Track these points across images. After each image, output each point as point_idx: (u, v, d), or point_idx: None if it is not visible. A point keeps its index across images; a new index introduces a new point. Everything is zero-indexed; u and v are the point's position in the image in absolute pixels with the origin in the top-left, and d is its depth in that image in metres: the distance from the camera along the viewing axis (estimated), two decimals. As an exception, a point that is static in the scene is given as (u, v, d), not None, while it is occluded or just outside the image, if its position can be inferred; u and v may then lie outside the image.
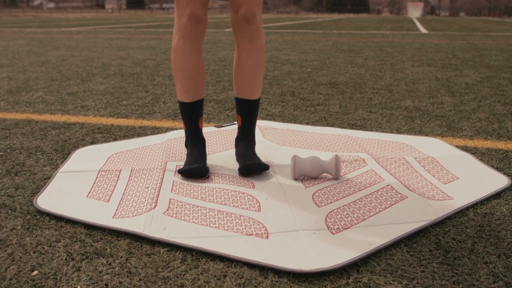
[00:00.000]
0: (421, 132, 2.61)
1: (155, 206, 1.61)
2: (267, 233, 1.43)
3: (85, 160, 2.09)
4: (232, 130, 2.60)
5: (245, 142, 2.02)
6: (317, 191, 1.75)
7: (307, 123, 2.80)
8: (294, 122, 2.83)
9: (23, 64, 5.73)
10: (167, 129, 2.67)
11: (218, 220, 1.51)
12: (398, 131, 2.64)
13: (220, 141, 2.39)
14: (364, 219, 1.52)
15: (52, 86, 4.16)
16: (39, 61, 6.11)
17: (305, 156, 2.15)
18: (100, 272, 1.25)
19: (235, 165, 2.03)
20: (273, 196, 1.70)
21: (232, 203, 1.64)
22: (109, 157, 2.13)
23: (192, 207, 1.61)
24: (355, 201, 1.66)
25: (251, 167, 1.87)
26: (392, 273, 1.25)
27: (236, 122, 2.77)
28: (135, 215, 1.55)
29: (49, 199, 1.67)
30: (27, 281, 1.21)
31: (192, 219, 1.52)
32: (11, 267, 1.27)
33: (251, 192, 1.73)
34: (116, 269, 1.27)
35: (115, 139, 2.47)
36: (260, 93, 1.98)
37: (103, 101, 3.48)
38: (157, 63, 5.84)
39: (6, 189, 1.79)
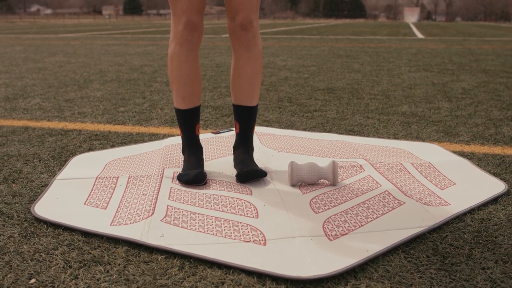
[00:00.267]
0: (418, 138, 2.62)
1: (152, 213, 1.61)
2: (265, 240, 1.43)
3: (83, 167, 2.09)
4: (229, 136, 2.60)
5: (243, 148, 2.02)
6: (315, 197, 1.75)
7: (304, 129, 2.81)
8: (291, 128, 2.83)
9: (20, 71, 5.73)
10: (165, 136, 2.68)
11: (215, 227, 1.52)
12: (395, 136, 2.65)
13: (218, 147, 2.39)
14: (362, 225, 1.52)
15: (49, 92, 4.16)
16: (36, 67, 6.11)
17: (302, 162, 2.15)
18: (98, 280, 1.25)
19: (233, 172, 2.03)
20: (271, 203, 1.70)
21: (230, 209, 1.64)
22: (106, 164, 2.13)
23: (190, 214, 1.61)
24: (352, 207, 1.66)
25: (249, 173, 1.87)
26: (389, 280, 1.25)
27: (233, 129, 2.78)
28: (133, 222, 1.55)
29: (47, 207, 1.67)
30: (25, 289, 1.21)
31: (190, 226, 1.52)
32: (9, 275, 1.27)
33: (248, 199, 1.74)
34: (114, 276, 1.26)
35: (112, 146, 2.47)
36: (257, 99, 1.99)
37: (100, 107, 3.48)
38: (154, 69, 5.85)
39: (4, 197, 1.79)
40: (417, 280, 1.25)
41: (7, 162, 2.20)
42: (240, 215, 1.60)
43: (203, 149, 2.36)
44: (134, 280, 1.25)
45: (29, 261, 1.34)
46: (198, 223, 1.54)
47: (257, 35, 1.88)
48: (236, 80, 1.94)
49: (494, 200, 1.75)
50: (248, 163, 1.95)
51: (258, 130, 2.74)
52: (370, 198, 1.74)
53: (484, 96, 3.91)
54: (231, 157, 2.22)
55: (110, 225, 1.53)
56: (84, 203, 1.71)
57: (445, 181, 1.92)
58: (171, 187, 1.85)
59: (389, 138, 2.61)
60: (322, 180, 1.92)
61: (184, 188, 1.84)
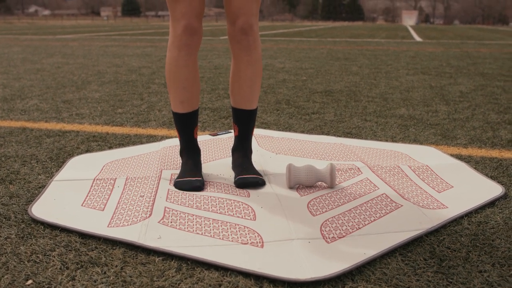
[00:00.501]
0: (415, 141, 2.62)
1: (150, 215, 1.61)
2: (262, 242, 1.43)
3: (80, 169, 2.09)
4: (227, 138, 2.60)
5: (242, 152, 2.02)
6: (312, 199, 1.75)
7: (302, 132, 2.81)
8: (289, 131, 2.84)
9: (18, 72, 5.72)
10: (162, 137, 2.67)
11: (213, 229, 1.51)
12: (393, 139, 2.65)
13: (215, 149, 2.39)
14: (359, 228, 1.52)
15: (47, 93, 4.15)
16: (34, 68, 6.11)
17: (300, 165, 2.15)
18: (95, 281, 1.25)
19: (230, 174, 2.03)
20: (268, 205, 1.70)
21: (227, 211, 1.64)
22: (104, 166, 2.13)
23: (187, 216, 1.61)
24: (350, 210, 1.66)
25: (247, 182, 1.86)
26: (387, 282, 1.25)
27: (231, 131, 2.78)
28: (130, 224, 1.54)
29: (44, 208, 1.67)
30: (22, 290, 1.21)
31: (187, 228, 1.52)
32: (5, 276, 1.27)
33: (246, 201, 1.74)
34: (111, 278, 1.26)
35: (110, 148, 2.47)
36: (257, 103, 1.98)
37: (98, 109, 3.48)
38: (152, 71, 5.85)
39: (1, 198, 1.79)
40: (414, 283, 1.25)
41: (4, 163, 2.20)
42: (238, 217, 1.60)
43: (201, 151, 2.36)
44: (131, 282, 1.25)
45: (26, 262, 1.34)
46: (196, 225, 1.54)
47: (257, 39, 1.88)
48: (235, 84, 1.93)
49: (491, 204, 1.76)
50: (247, 167, 1.95)
51: (256, 132, 2.74)
52: (368, 201, 1.74)
53: (481, 99, 3.92)
54: (229, 159, 2.22)
55: (108, 226, 1.53)
56: (82, 205, 1.71)
57: (442, 184, 1.93)
58: (168, 189, 1.85)
59: (386, 141, 2.62)
60: (319, 183, 1.92)
61: (181, 191, 1.84)
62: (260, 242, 1.43)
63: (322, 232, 1.49)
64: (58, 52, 8.69)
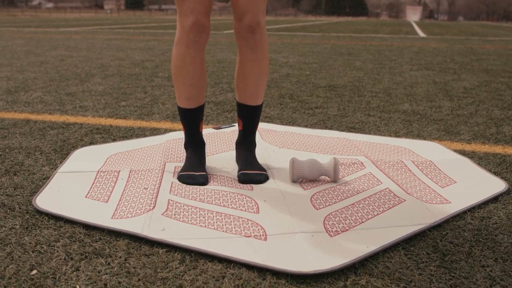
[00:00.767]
0: (419, 136, 2.62)
1: (153, 207, 1.62)
2: (266, 235, 1.44)
3: (84, 161, 2.10)
4: (231, 132, 2.61)
5: (245, 146, 2.02)
6: (316, 193, 1.76)
7: (306, 126, 2.81)
8: (293, 125, 2.84)
9: (21, 64, 5.73)
10: (166, 130, 2.68)
11: (216, 222, 1.52)
12: (396, 134, 2.65)
13: (219, 143, 2.40)
14: (362, 222, 1.53)
15: (51, 86, 4.16)
16: (37, 61, 6.11)
17: (303, 159, 2.15)
18: (99, 272, 1.25)
19: (234, 167, 2.04)
20: (272, 198, 1.71)
21: (231, 204, 1.65)
22: (108, 158, 2.14)
23: (191, 209, 1.61)
24: (353, 204, 1.67)
25: (251, 177, 1.86)
26: (389, 276, 1.25)
27: (234, 124, 2.78)
28: (134, 216, 1.55)
29: (48, 199, 1.67)
30: (26, 280, 1.21)
31: (190, 220, 1.53)
32: (10, 266, 1.27)
33: (249, 194, 1.74)
34: (115, 269, 1.27)
35: (114, 140, 2.47)
36: (262, 99, 1.97)
37: (101, 101, 3.49)
38: (155, 64, 5.85)
39: (5, 189, 1.80)
40: (417, 277, 1.25)
41: (8, 155, 2.20)
42: (241, 210, 1.61)
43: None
44: (135, 273, 1.25)
45: (30, 252, 1.35)
46: (199, 217, 1.55)
47: (264, 36, 1.85)
48: (241, 80, 1.92)
49: (495, 199, 1.76)
50: (250, 161, 1.95)
51: (260, 126, 2.75)
52: (371, 195, 1.74)
53: (485, 95, 3.91)
54: (233, 153, 2.22)
55: (111, 218, 1.54)
56: (86, 196, 1.71)
57: (445, 180, 1.93)
58: (172, 182, 1.85)
59: (390, 136, 2.62)
60: (323, 177, 1.92)
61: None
62: (263, 235, 1.44)
63: (325, 226, 1.50)
64: (61, 45, 8.69)
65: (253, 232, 1.45)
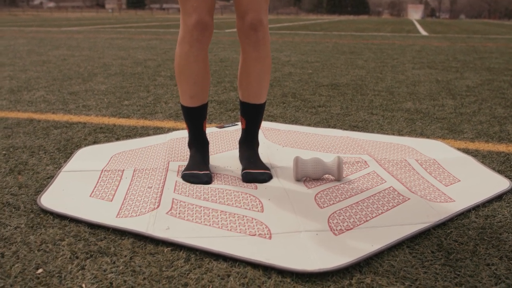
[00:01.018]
0: (422, 134, 2.62)
1: (158, 206, 1.62)
2: (270, 234, 1.44)
3: (88, 160, 2.10)
4: (234, 130, 2.61)
5: (249, 144, 2.02)
6: (319, 192, 1.76)
7: (309, 125, 2.81)
8: (296, 123, 2.84)
9: (24, 63, 5.73)
10: (169, 129, 2.68)
11: (221, 220, 1.52)
12: (400, 133, 2.65)
13: (222, 141, 2.40)
14: (367, 221, 1.53)
15: (54, 85, 4.17)
16: (40, 60, 6.12)
17: (307, 158, 2.16)
18: (105, 271, 1.26)
19: (237, 166, 2.04)
20: (276, 197, 1.71)
21: (235, 203, 1.65)
22: (111, 157, 2.14)
23: (195, 207, 1.61)
24: (357, 202, 1.67)
25: (254, 177, 1.87)
26: (394, 274, 1.25)
27: (237, 123, 2.78)
28: (139, 215, 1.55)
29: (53, 198, 1.68)
30: (32, 279, 1.22)
31: (195, 219, 1.53)
32: (16, 265, 1.28)
33: (253, 193, 1.74)
34: (121, 268, 1.27)
35: (117, 139, 2.47)
36: (265, 97, 1.97)
37: (104, 101, 3.49)
38: (158, 63, 5.85)
39: (10, 188, 1.80)
40: (422, 275, 1.25)
41: (12, 154, 2.21)
42: (245, 209, 1.61)
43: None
44: (140, 272, 1.25)
45: (36, 251, 1.35)
46: (204, 216, 1.55)
47: (267, 34, 1.86)
48: (244, 79, 1.92)
49: (499, 197, 1.76)
50: (254, 160, 1.95)
51: (263, 124, 2.75)
52: (375, 194, 1.74)
53: (488, 94, 3.91)
54: (236, 151, 2.23)
55: (116, 217, 1.54)
56: (90, 195, 1.72)
57: (449, 178, 1.93)
58: (176, 181, 1.86)
59: (393, 134, 2.62)
60: (326, 176, 1.92)
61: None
62: (268, 234, 1.44)
63: (330, 225, 1.50)
64: (63, 44, 8.70)
65: (258, 231, 1.46)
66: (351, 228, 1.48)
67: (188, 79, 1.86)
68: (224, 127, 2.69)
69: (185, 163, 2.06)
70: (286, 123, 2.85)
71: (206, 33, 1.79)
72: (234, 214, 1.57)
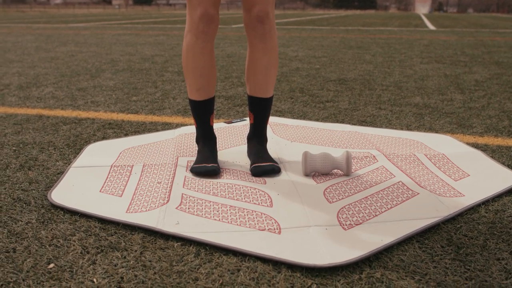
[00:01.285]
0: (431, 129, 2.61)
1: (167, 201, 1.63)
2: (280, 229, 1.44)
3: (97, 156, 2.11)
4: (242, 126, 2.61)
5: (257, 140, 2.03)
6: (328, 187, 1.76)
7: (317, 120, 2.81)
8: (304, 119, 2.84)
9: (32, 60, 5.76)
10: (178, 125, 2.69)
11: (230, 215, 1.53)
12: (408, 128, 2.64)
13: (231, 137, 2.40)
14: (376, 215, 1.53)
15: (62, 81, 4.18)
16: (48, 56, 6.14)
17: (315, 152, 2.15)
18: (115, 266, 1.27)
19: (246, 161, 2.04)
20: (285, 192, 1.71)
21: (244, 198, 1.66)
22: (121, 153, 2.15)
23: (205, 202, 1.62)
24: (366, 197, 1.67)
25: (264, 169, 1.87)
26: (404, 269, 1.25)
27: (246, 119, 2.78)
28: (148, 210, 1.56)
29: (63, 194, 1.69)
30: (44, 273, 1.23)
31: (204, 214, 1.54)
32: (28, 260, 1.29)
33: (262, 188, 1.74)
34: (131, 262, 1.28)
35: (126, 135, 2.48)
36: (272, 91, 1.98)
37: (113, 96, 3.50)
38: (165, 59, 5.86)
39: (20, 183, 1.81)
40: (431, 269, 1.25)
41: (23, 150, 2.22)
42: (255, 203, 1.61)
43: (217, 139, 2.37)
44: (151, 266, 1.26)
45: (47, 246, 1.36)
46: (213, 211, 1.56)
47: (273, 27, 1.87)
48: (251, 72, 1.94)
49: (509, 192, 1.75)
50: (263, 155, 1.96)
51: (271, 120, 2.75)
52: (384, 189, 1.74)
53: (497, 88, 3.88)
54: (244, 147, 2.23)
55: (126, 212, 1.55)
56: (100, 191, 1.73)
57: (459, 173, 1.92)
58: (185, 176, 1.86)
59: (402, 129, 2.61)
60: (335, 171, 1.92)
61: (198, 177, 1.85)
62: (277, 229, 1.44)
63: (339, 219, 1.50)
64: (71, 41, 8.73)
65: (267, 226, 1.46)
66: (361, 223, 1.48)
67: (194, 71, 1.88)
68: (233, 122, 2.69)
69: (194, 158, 2.07)
70: (294, 118, 2.85)
71: (212, 26, 1.81)
72: (244, 209, 1.57)
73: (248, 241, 1.37)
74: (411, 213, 1.54)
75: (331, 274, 1.23)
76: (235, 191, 1.72)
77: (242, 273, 1.23)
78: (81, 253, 1.33)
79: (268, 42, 1.87)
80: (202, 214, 1.53)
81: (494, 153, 2.19)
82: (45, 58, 5.98)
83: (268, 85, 1.95)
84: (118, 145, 2.27)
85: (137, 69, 4.99)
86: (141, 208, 1.58)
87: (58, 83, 4.10)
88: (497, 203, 1.66)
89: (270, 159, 1.95)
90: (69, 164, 2.02)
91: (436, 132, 2.56)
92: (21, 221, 1.51)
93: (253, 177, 1.85)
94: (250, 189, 1.73)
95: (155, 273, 1.23)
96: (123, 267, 1.26)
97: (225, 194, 1.69)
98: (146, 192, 1.71)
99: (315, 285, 1.19)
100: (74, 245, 1.37)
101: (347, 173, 1.86)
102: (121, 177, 1.86)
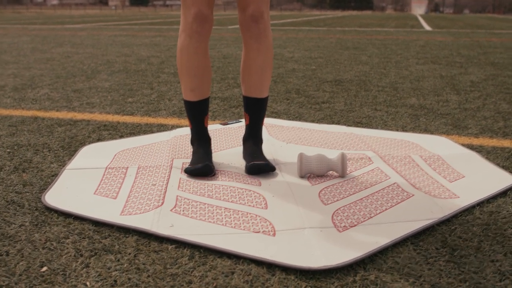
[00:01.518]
0: (426, 130, 2.61)
1: (162, 203, 1.62)
2: (274, 231, 1.44)
3: (92, 157, 2.11)
4: (237, 127, 2.61)
5: (252, 140, 2.03)
6: (323, 189, 1.75)
7: (313, 121, 2.81)
8: (300, 120, 2.83)
9: (28, 61, 5.74)
10: (173, 127, 2.68)
11: (225, 218, 1.52)
12: (404, 129, 2.64)
13: (226, 138, 2.40)
14: (371, 217, 1.53)
15: (57, 83, 4.17)
16: (43, 58, 6.13)
17: (311, 154, 2.15)
18: (109, 269, 1.26)
19: (241, 163, 2.04)
20: (280, 194, 1.71)
21: (239, 200, 1.65)
22: (115, 154, 2.14)
23: (199, 205, 1.62)
24: (361, 199, 1.67)
25: (259, 167, 1.87)
26: (399, 271, 1.25)
27: (241, 120, 2.78)
28: (143, 212, 1.56)
29: (57, 196, 1.68)
30: (37, 277, 1.22)
31: (199, 216, 1.53)
32: (21, 263, 1.28)
33: (257, 190, 1.74)
34: (125, 265, 1.28)
35: (121, 137, 2.48)
36: (267, 91, 1.99)
37: (108, 98, 3.49)
38: (161, 60, 5.85)
39: (14, 186, 1.81)
40: (426, 271, 1.25)
41: (17, 152, 2.21)
42: (249, 206, 1.61)
43: (212, 140, 2.36)
44: (144, 269, 1.26)
45: (40, 249, 1.35)
46: (208, 213, 1.55)
47: (268, 27, 1.88)
48: (246, 72, 1.94)
49: (503, 193, 1.75)
50: (258, 155, 1.96)
51: (266, 121, 2.75)
52: (379, 190, 1.74)
53: (492, 89, 3.89)
54: (240, 148, 2.23)
55: (120, 214, 1.54)
56: (94, 193, 1.72)
57: (454, 174, 1.92)
58: (180, 178, 1.86)
59: (397, 130, 2.61)
60: (331, 172, 1.92)
61: (193, 179, 1.85)
62: (272, 231, 1.44)
63: (334, 221, 1.50)
64: (67, 42, 8.71)
65: (262, 228, 1.46)
66: (355, 225, 1.48)
67: (188, 71, 1.88)
68: (228, 124, 2.69)
69: (189, 160, 2.06)
70: (290, 119, 2.85)
71: (206, 26, 1.81)
72: (238, 211, 1.57)
73: (242, 243, 1.37)
74: (406, 215, 1.54)
75: (325, 277, 1.23)
76: (230, 193, 1.71)
77: (236, 276, 1.23)
78: (74, 256, 1.32)
79: (263, 42, 1.88)
80: (197, 216, 1.53)
81: (489, 154, 2.20)
82: (40, 59, 5.97)
83: (263, 85, 1.95)
84: (113, 147, 2.26)
85: (133, 70, 4.99)
86: (136, 211, 1.57)
87: (53, 84, 4.09)
88: (491, 204, 1.66)
89: (265, 159, 1.95)
90: (63, 166, 2.02)
91: (432, 133, 2.56)
92: (15, 223, 1.51)
93: (248, 179, 1.85)
94: (245, 191, 1.73)
95: (148, 276, 1.23)
96: (116, 270, 1.25)
97: (220, 196, 1.68)
98: (141, 194, 1.70)
99: (309, 287, 1.18)
100: (67, 248, 1.36)
101: (342, 174, 1.86)
102: (116, 179, 1.85)
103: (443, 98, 3.51)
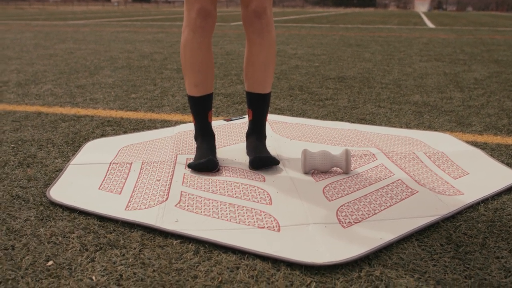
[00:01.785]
0: (430, 127, 2.61)
1: (166, 199, 1.62)
2: (279, 226, 1.44)
3: (96, 153, 2.11)
4: (241, 123, 2.61)
5: (256, 136, 2.03)
6: (328, 185, 1.76)
7: (316, 118, 2.81)
8: (303, 116, 2.83)
9: (31, 57, 5.75)
10: (176, 122, 2.68)
11: (229, 213, 1.52)
12: (407, 126, 2.64)
13: (230, 134, 2.40)
14: (375, 213, 1.53)
15: (61, 79, 4.17)
16: (46, 54, 6.13)
17: (315, 150, 2.15)
18: (114, 263, 1.26)
19: (245, 159, 2.04)
20: (284, 190, 1.71)
21: (243, 196, 1.65)
22: (119, 150, 2.15)
23: (204, 200, 1.62)
24: (365, 195, 1.67)
25: (262, 160, 1.88)
26: (404, 267, 1.25)
27: (245, 116, 2.78)
28: (147, 207, 1.56)
29: (62, 191, 1.69)
30: (43, 271, 1.23)
31: (204, 211, 1.54)
32: (27, 257, 1.29)
33: (261, 186, 1.74)
34: (130, 260, 1.28)
35: (125, 132, 2.48)
36: (270, 87, 1.99)
37: (111, 94, 3.50)
38: (164, 57, 5.85)
39: (19, 181, 1.81)
40: (431, 268, 1.25)
41: (21, 147, 2.22)
42: (254, 201, 1.61)
43: (215, 136, 2.36)
44: (150, 264, 1.26)
45: (46, 243, 1.36)
46: (212, 209, 1.55)
47: (271, 22, 1.88)
48: (249, 68, 1.94)
49: (508, 190, 1.75)
50: (261, 150, 1.96)
51: (270, 118, 2.75)
52: (383, 187, 1.74)
53: (496, 86, 3.88)
54: (243, 144, 2.23)
55: (125, 209, 1.55)
56: (99, 188, 1.72)
57: (458, 171, 1.92)
58: (184, 173, 1.86)
59: (401, 127, 2.61)
60: (335, 168, 1.92)
61: (197, 175, 1.85)
62: (276, 226, 1.44)
63: (338, 217, 1.50)
64: (70, 38, 8.71)
65: (266, 224, 1.46)
66: (360, 221, 1.48)
67: (192, 67, 1.88)
68: (232, 120, 2.69)
69: (193, 156, 2.06)
70: (294, 116, 2.85)
71: (209, 21, 1.82)
72: (243, 206, 1.57)
73: (247, 239, 1.37)
74: (411, 211, 1.54)
75: (330, 272, 1.23)
76: (234, 188, 1.72)
77: (241, 271, 1.23)
78: (80, 250, 1.32)
79: (266, 37, 1.88)
80: (201, 212, 1.53)
81: (493, 151, 2.19)
82: (43, 55, 5.97)
83: (266, 81, 1.95)
84: (117, 142, 2.26)
85: (136, 66, 4.99)
86: (140, 206, 1.57)
87: (56, 80, 4.09)
88: (496, 201, 1.66)
89: (268, 153, 1.95)
90: (67, 162, 2.02)
91: (435, 130, 2.56)
92: (20, 218, 1.51)
93: (252, 175, 1.85)
94: (249, 187, 1.73)
95: (154, 270, 1.23)
96: (122, 265, 1.25)
97: (224, 192, 1.69)
98: (145, 190, 1.70)
99: (314, 283, 1.18)
100: (73, 243, 1.36)
101: (347, 171, 1.86)
102: (120, 175, 1.85)
103: (446, 95, 3.51)
